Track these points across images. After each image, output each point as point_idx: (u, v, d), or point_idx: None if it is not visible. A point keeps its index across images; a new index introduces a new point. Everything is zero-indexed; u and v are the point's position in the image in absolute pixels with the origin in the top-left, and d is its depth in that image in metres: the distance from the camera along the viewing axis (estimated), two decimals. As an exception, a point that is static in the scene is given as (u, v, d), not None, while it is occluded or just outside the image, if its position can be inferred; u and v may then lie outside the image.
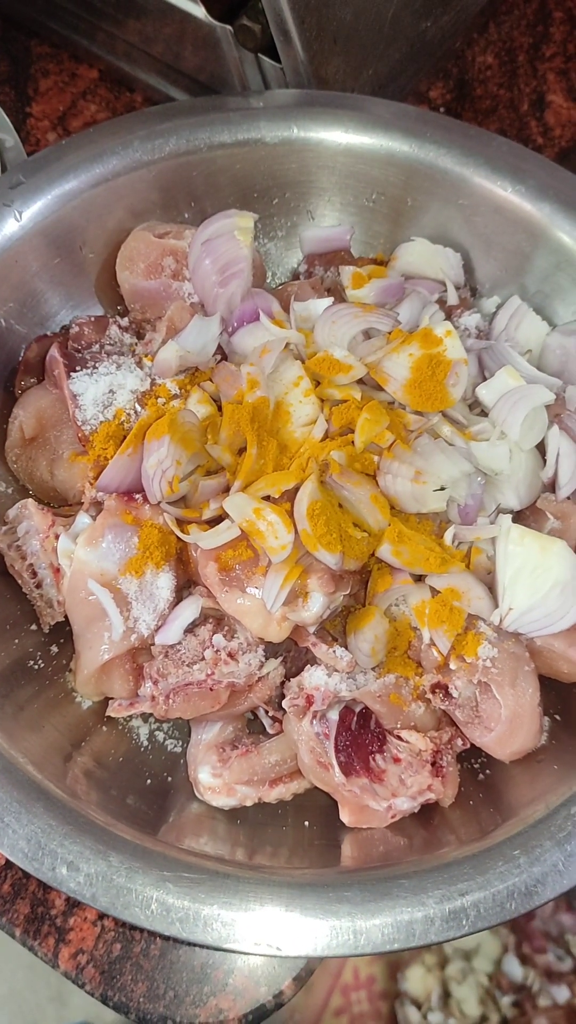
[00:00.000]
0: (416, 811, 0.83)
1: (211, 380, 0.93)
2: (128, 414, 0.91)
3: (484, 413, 0.94)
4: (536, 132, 1.33)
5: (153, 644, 0.86)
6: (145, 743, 0.89)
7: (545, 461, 0.93)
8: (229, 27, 1.09)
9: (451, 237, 1.07)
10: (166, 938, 0.86)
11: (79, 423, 0.90)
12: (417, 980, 1.81)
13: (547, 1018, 1.72)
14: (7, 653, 0.87)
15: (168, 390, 0.92)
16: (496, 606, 0.85)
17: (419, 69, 1.29)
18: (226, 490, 0.87)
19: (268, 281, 1.12)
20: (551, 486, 0.92)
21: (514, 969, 1.78)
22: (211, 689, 0.83)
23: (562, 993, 1.75)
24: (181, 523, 0.87)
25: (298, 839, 0.83)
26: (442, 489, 0.85)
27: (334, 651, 0.84)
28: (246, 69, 1.16)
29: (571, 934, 1.82)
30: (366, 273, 1.02)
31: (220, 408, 0.90)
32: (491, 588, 0.86)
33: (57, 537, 0.88)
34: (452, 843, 0.79)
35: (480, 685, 0.83)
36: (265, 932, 0.69)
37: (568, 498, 0.91)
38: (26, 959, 2.07)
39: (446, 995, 1.78)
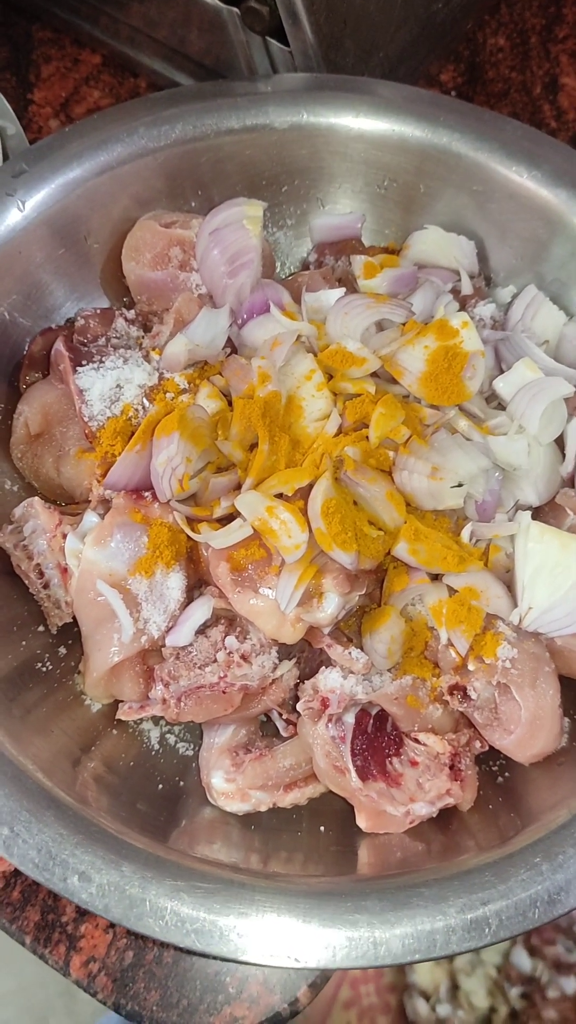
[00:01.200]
0: (434, 816, 0.81)
1: (221, 374, 0.90)
2: (136, 409, 0.88)
3: (501, 407, 0.92)
4: (549, 115, 1.30)
5: (164, 646, 0.84)
6: (156, 746, 0.88)
7: (564, 456, 0.90)
8: (236, 9, 1.07)
9: (465, 225, 1.05)
10: (180, 948, 0.85)
11: (86, 419, 0.88)
12: (426, 972, 1.80)
13: (556, 1009, 1.71)
14: (14, 655, 0.85)
15: (177, 385, 0.89)
16: (515, 605, 0.83)
17: (430, 52, 1.26)
18: (237, 487, 0.85)
19: (278, 271, 1.09)
20: (571, 481, 0.90)
21: (523, 961, 1.77)
22: (224, 692, 0.81)
23: (571, 984, 1.74)
24: (192, 522, 0.85)
25: (313, 845, 0.81)
26: (459, 485, 0.83)
27: (349, 652, 0.82)
28: (253, 53, 1.13)
29: (580, 925, 1.81)
30: (378, 262, 1.00)
31: (230, 403, 0.88)
32: (510, 587, 0.84)
33: (64, 536, 0.86)
34: (471, 849, 0.77)
35: (499, 686, 0.81)
36: (282, 943, 0.68)
37: (588, 493, 0.88)
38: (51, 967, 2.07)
39: (455, 987, 1.77)
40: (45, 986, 2.08)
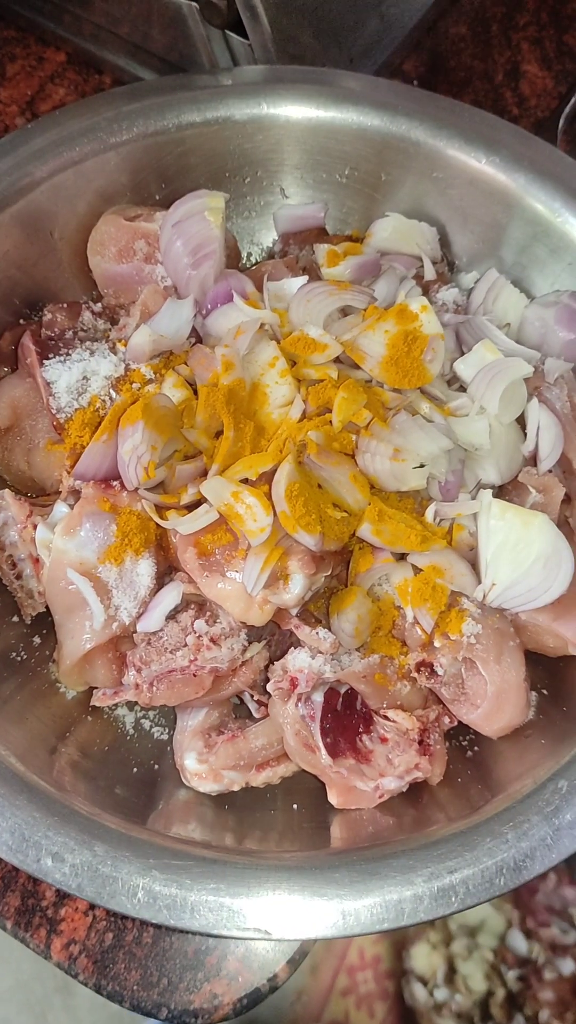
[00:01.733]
0: (404, 790, 0.82)
1: (186, 363, 0.92)
2: (103, 400, 0.90)
3: (463, 388, 0.93)
4: (512, 103, 1.31)
5: (135, 632, 0.85)
6: (131, 731, 0.89)
7: (526, 435, 0.92)
8: (195, 4, 1.08)
9: (426, 211, 1.06)
10: (157, 926, 0.86)
11: (53, 411, 0.89)
12: (423, 958, 1.81)
13: (553, 990, 1.73)
14: (-11, 646, 0.86)
15: (143, 375, 0.90)
16: (479, 582, 0.85)
17: (392, 42, 1.27)
18: (204, 474, 0.86)
19: (243, 261, 1.11)
20: (532, 460, 0.91)
21: (519, 943, 1.79)
22: (195, 675, 0.82)
23: (567, 965, 1.76)
24: (159, 509, 0.86)
25: (287, 822, 0.83)
26: (421, 466, 0.84)
27: (317, 633, 0.83)
28: (214, 47, 1.14)
29: (574, 907, 1.83)
30: (341, 251, 1.01)
31: (196, 392, 0.89)
32: (474, 564, 0.86)
33: (35, 527, 0.87)
34: (441, 821, 0.78)
35: (465, 662, 0.83)
36: (254, 917, 0.69)
37: (550, 471, 0.90)
38: (31, 951, 2.08)
39: (452, 971, 1.79)
40: (43, 982, 2.09)
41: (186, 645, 0.83)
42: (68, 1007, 2.08)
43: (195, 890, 0.69)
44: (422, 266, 1.04)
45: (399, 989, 1.82)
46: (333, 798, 0.81)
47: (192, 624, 0.84)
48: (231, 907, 0.69)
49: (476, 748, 0.87)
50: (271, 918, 0.69)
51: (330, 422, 0.86)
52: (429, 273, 1.04)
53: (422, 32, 1.34)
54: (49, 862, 0.70)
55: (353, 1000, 1.83)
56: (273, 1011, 1.82)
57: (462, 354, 0.95)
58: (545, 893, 1.85)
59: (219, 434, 0.87)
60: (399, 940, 1.85)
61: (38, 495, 0.95)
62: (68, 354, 0.92)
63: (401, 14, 1.27)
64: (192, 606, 0.86)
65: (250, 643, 0.85)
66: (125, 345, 0.93)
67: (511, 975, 1.77)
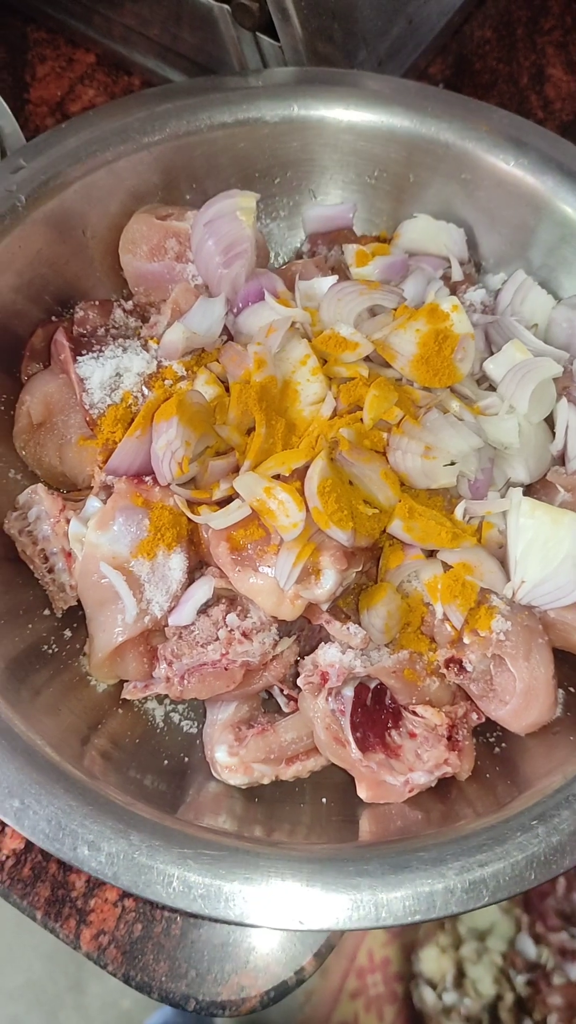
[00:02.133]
0: (433, 785, 0.83)
1: (218, 361, 0.92)
2: (135, 397, 0.91)
3: (492, 388, 0.94)
4: (536, 106, 1.32)
5: (167, 626, 0.86)
6: (161, 724, 0.90)
7: (554, 434, 0.92)
8: (226, 6, 1.09)
9: (454, 213, 1.07)
10: (189, 916, 0.87)
11: (86, 407, 0.90)
12: (432, 961, 1.81)
13: (562, 996, 1.73)
14: (21, 638, 0.87)
15: (175, 372, 0.91)
16: (508, 580, 0.85)
17: (418, 45, 1.28)
18: (236, 470, 0.87)
19: (272, 261, 1.12)
20: (561, 459, 0.92)
21: (528, 948, 1.78)
22: (226, 669, 0.83)
23: (576, 971, 1.76)
24: (192, 504, 0.87)
25: (316, 816, 0.83)
26: (452, 464, 0.85)
27: (347, 628, 0.84)
28: (244, 48, 1.15)
29: (585, 912, 1.83)
30: (369, 251, 1.02)
31: (228, 389, 0.90)
32: (503, 562, 0.87)
33: (68, 521, 0.88)
34: (469, 816, 0.79)
35: (494, 658, 0.83)
36: (286, 907, 0.70)
37: (578, 471, 0.90)
38: (44, 949, 2.09)
39: (461, 975, 1.79)
40: (55, 981, 2.09)
41: (217, 639, 0.84)
42: (79, 1006, 2.09)
43: (229, 880, 0.70)
44: (450, 267, 1.05)
45: (408, 992, 1.82)
46: (362, 792, 0.82)
47: (224, 618, 0.85)
48: (265, 897, 0.70)
49: (504, 744, 0.87)
50: (305, 908, 0.69)
51: (361, 420, 0.87)
52: (457, 274, 1.04)
53: (448, 35, 1.35)
54: (85, 851, 0.71)
55: (362, 1003, 1.83)
56: (283, 1012, 1.82)
57: (491, 354, 0.96)
58: (555, 898, 1.85)
59: (251, 431, 0.87)
60: (408, 943, 1.85)
61: (70, 490, 0.96)
62: (101, 351, 0.93)
63: (428, 17, 1.28)
64: (223, 600, 0.87)
65: (281, 638, 0.85)
66: (157, 342, 0.94)
67: (520, 980, 1.77)
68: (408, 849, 0.73)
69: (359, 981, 1.85)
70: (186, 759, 0.88)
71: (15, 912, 0.89)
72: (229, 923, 0.70)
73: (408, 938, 1.85)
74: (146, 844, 0.71)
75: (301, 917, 0.70)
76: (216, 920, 0.70)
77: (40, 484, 0.91)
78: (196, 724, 0.90)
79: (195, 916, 0.71)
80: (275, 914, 0.70)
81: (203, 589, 0.85)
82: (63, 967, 2.10)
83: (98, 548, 0.85)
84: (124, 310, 1.00)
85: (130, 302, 1.01)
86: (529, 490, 0.92)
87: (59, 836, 0.71)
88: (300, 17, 1.04)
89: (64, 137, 0.99)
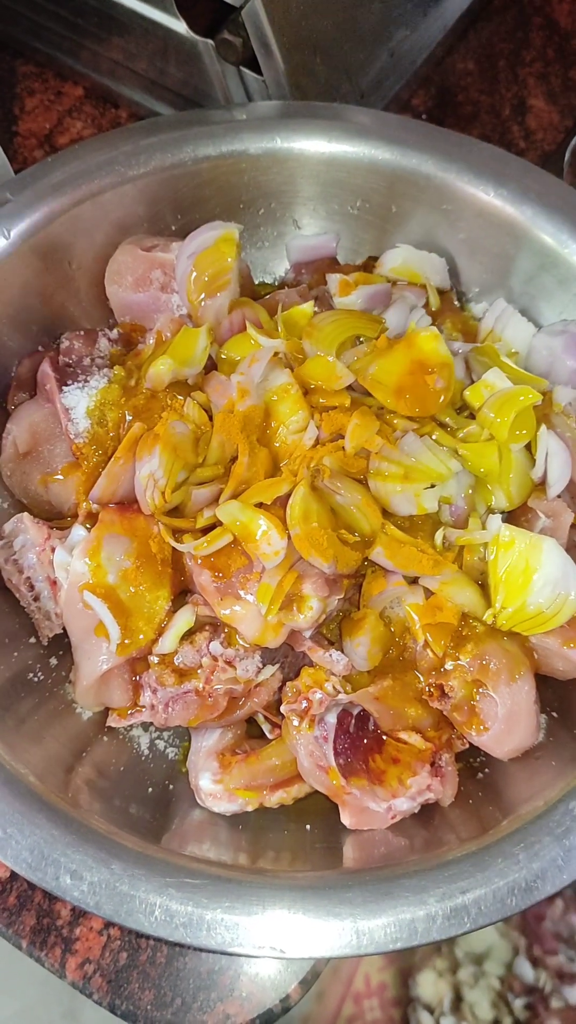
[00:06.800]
0: (416, 811, 0.83)
1: (201, 390, 0.93)
2: (119, 426, 0.91)
3: (472, 416, 0.95)
4: (518, 136, 1.34)
5: (151, 653, 0.86)
6: (146, 752, 0.90)
7: (535, 461, 0.93)
8: (211, 41, 1.11)
9: (436, 242, 1.08)
10: (172, 945, 0.86)
11: (72, 436, 0.91)
12: (429, 985, 1.80)
13: (560, 1019, 1.72)
14: (7, 666, 0.88)
15: (159, 401, 0.92)
16: (489, 605, 0.86)
17: (400, 77, 1.30)
18: (219, 499, 0.88)
19: (256, 291, 1.12)
20: (541, 485, 0.93)
21: (526, 971, 1.77)
22: (209, 697, 0.84)
23: (574, 994, 1.74)
24: (176, 532, 0.88)
25: (300, 843, 0.83)
26: (432, 487, 0.86)
27: (330, 655, 0.85)
28: (229, 82, 1.17)
29: (582, 934, 1.82)
30: (352, 280, 1.03)
31: (211, 418, 0.91)
32: (484, 587, 0.87)
33: (53, 550, 0.89)
34: (452, 842, 0.79)
35: (476, 684, 0.84)
36: (268, 935, 0.70)
37: (558, 496, 0.91)
38: (38, 975, 2.06)
39: (458, 999, 1.77)
40: (48, 1008, 2.07)
41: (201, 667, 0.85)
42: (73, 1033, 2.07)
43: (211, 908, 0.70)
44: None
45: (405, 1017, 1.81)
46: (346, 819, 0.82)
47: (207, 646, 0.85)
48: (246, 925, 0.70)
49: (487, 770, 0.88)
50: (286, 937, 0.70)
51: (343, 448, 0.88)
52: (434, 303, 1.06)
53: (430, 67, 1.37)
54: (68, 880, 0.71)
55: (359, 1028, 1.82)
56: (279, 1038, 1.81)
57: (471, 382, 0.97)
58: (552, 920, 1.84)
59: (234, 459, 0.88)
60: (405, 967, 1.84)
61: (55, 518, 0.96)
62: (86, 380, 0.94)
63: (410, 50, 1.30)
64: (207, 628, 0.87)
65: (264, 665, 0.86)
66: (142, 371, 0.95)
67: (518, 1003, 1.75)
68: (390, 876, 0.74)
69: (356, 1006, 1.83)
70: (171, 786, 0.88)
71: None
72: (211, 951, 0.70)
73: (405, 962, 1.84)
74: (128, 873, 0.72)
75: (283, 945, 0.70)
76: (198, 949, 0.70)
77: (26, 513, 0.92)
78: (181, 751, 0.91)
79: (177, 945, 0.71)
80: (257, 943, 0.70)
81: (185, 617, 0.86)
82: (57, 994, 2.08)
83: (83, 576, 0.86)
84: (109, 339, 1.01)
85: (115, 331, 1.02)
86: (510, 516, 0.93)
87: (41, 865, 0.72)
88: (282, 52, 1.06)
89: (50, 170, 1.01)
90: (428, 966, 1.81)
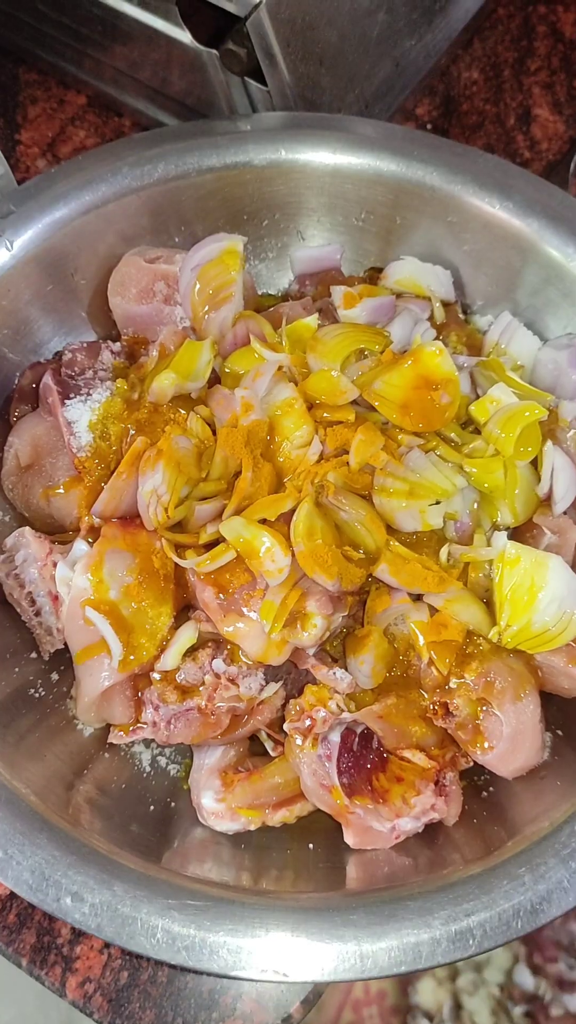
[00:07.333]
0: (420, 831, 0.83)
1: (205, 404, 0.93)
2: (123, 440, 0.91)
3: (477, 431, 0.94)
4: (523, 146, 1.34)
5: (153, 670, 0.86)
6: (148, 769, 0.89)
7: (540, 476, 0.93)
8: (215, 51, 1.10)
9: (441, 254, 1.08)
10: (173, 965, 0.86)
11: (74, 450, 0.91)
12: (428, 993, 1.80)
13: (560, 1027, 1.71)
14: (7, 682, 0.87)
15: (163, 415, 0.92)
16: (494, 623, 0.85)
17: (405, 87, 1.30)
18: (222, 514, 0.87)
19: (260, 302, 1.12)
20: (547, 501, 0.92)
21: (525, 979, 1.77)
22: (212, 714, 0.83)
23: (574, 1002, 1.74)
24: (178, 548, 0.87)
25: (303, 862, 0.83)
26: (437, 503, 0.85)
27: (334, 673, 0.84)
28: (233, 92, 1.16)
29: (582, 943, 1.81)
30: (357, 292, 1.02)
31: (215, 432, 0.90)
32: (489, 605, 0.87)
33: (55, 565, 0.88)
34: (457, 862, 0.79)
35: (481, 702, 0.83)
36: (271, 958, 0.69)
37: (564, 513, 0.91)
38: (36, 984, 2.06)
39: (458, 1007, 1.77)
40: (47, 1017, 2.07)
41: (203, 684, 0.84)
42: (71, 1041, 2.06)
43: (213, 931, 0.70)
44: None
45: (405, 1025, 1.80)
46: (349, 838, 0.81)
47: (210, 663, 0.85)
48: (250, 948, 0.69)
49: (491, 788, 0.87)
50: (289, 960, 0.69)
51: (347, 463, 0.87)
52: (439, 316, 1.05)
53: (435, 77, 1.37)
54: (69, 901, 0.71)
55: (359, 1036, 1.81)
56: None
57: (476, 396, 0.96)
58: (552, 928, 1.84)
59: (237, 475, 0.88)
60: (405, 975, 1.83)
61: (57, 532, 0.96)
62: (89, 393, 0.93)
63: (414, 60, 1.30)
64: (209, 644, 0.87)
65: (267, 682, 0.85)
66: (145, 384, 0.94)
67: (517, 1011, 1.75)
68: (394, 898, 0.73)
69: (355, 1014, 1.83)
70: (172, 804, 0.87)
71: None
72: (213, 975, 0.70)
73: (404, 971, 1.83)
74: (130, 895, 0.71)
75: (285, 969, 0.69)
76: (201, 972, 0.70)
77: (27, 527, 0.91)
78: (183, 768, 0.90)
79: (180, 968, 0.71)
80: (260, 966, 0.69)
81: (188, 633, 0.85)
82: (55, 1003, 2.07)
83: (85, 592, 0.85)
84: (112, 351, 1.00)
85: (118, 344, 1.02)
86: (516, 533, 0.92)
87: (43, 887, 0.71)
88: (287, 63, 1.05)
89: (54, 182, 1.00)
90: (428, 974, 1.80)
